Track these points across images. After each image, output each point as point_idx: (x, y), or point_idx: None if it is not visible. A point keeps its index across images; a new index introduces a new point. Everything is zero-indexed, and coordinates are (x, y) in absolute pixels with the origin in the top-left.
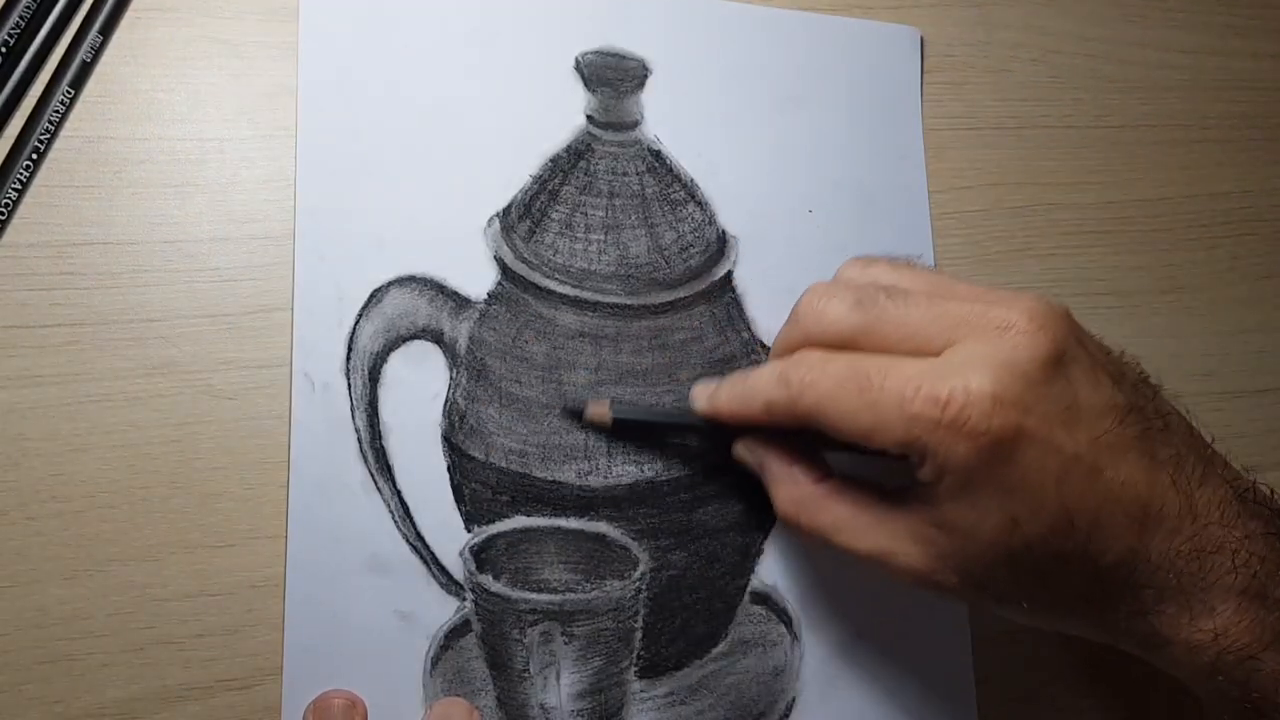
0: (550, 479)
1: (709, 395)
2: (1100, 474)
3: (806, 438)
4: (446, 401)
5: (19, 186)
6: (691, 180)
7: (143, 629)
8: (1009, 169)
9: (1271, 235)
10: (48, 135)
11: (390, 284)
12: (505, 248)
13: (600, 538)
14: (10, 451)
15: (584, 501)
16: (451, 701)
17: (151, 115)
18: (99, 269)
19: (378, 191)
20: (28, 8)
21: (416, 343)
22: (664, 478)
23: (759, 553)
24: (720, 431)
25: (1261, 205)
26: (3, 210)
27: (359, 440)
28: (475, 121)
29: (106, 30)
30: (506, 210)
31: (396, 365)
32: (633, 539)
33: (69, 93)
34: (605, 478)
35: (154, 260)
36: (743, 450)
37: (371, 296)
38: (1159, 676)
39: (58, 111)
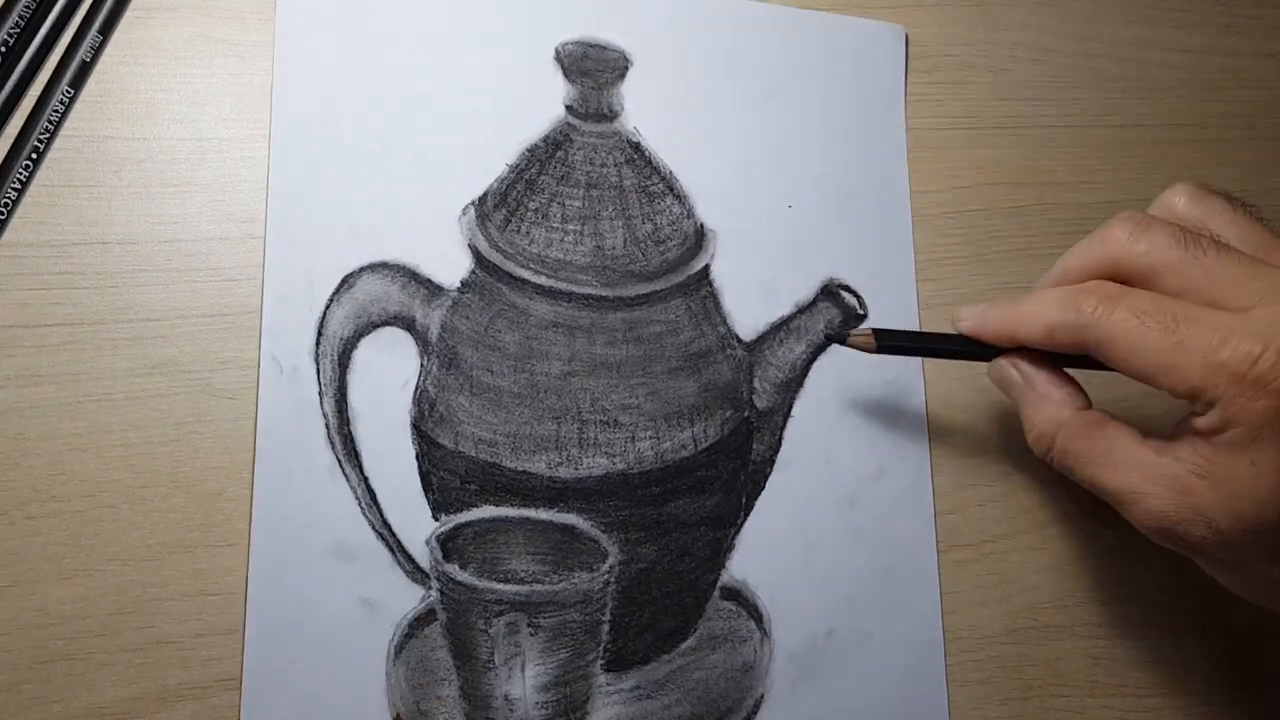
0: (520, 469)
1: (977, 316)
2: None
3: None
4: (417, 389)
5: (18, 186)
6: (670, 173)
7: (142, 628)
8: (1009, 169)
9: None
10: (47, 135)
11: (362, 269)
12: (480, 236)
13: (569, 529)
14: (10, 451)
15: (554, 492)
16: None
17: (151, 115)
18: (98, 268)
19: (352, 177)
20: (27, 7)
21: (388, 329)
22: (635, 470)
23: (730, 548)
24: (979, 348)
25: (1261, 205)
26: (2, 210)
27: (326, 426)
28: (452, 109)
29: (106, 30)
30: (482, 199)
31: (367, 351)
32: (602, 531)
33: (68, 92)
34: (576, 469)
35: (153, 260)
36: (1007, 365)
37: (343, 282)
38: (1160, 676)
39: (57, 111)
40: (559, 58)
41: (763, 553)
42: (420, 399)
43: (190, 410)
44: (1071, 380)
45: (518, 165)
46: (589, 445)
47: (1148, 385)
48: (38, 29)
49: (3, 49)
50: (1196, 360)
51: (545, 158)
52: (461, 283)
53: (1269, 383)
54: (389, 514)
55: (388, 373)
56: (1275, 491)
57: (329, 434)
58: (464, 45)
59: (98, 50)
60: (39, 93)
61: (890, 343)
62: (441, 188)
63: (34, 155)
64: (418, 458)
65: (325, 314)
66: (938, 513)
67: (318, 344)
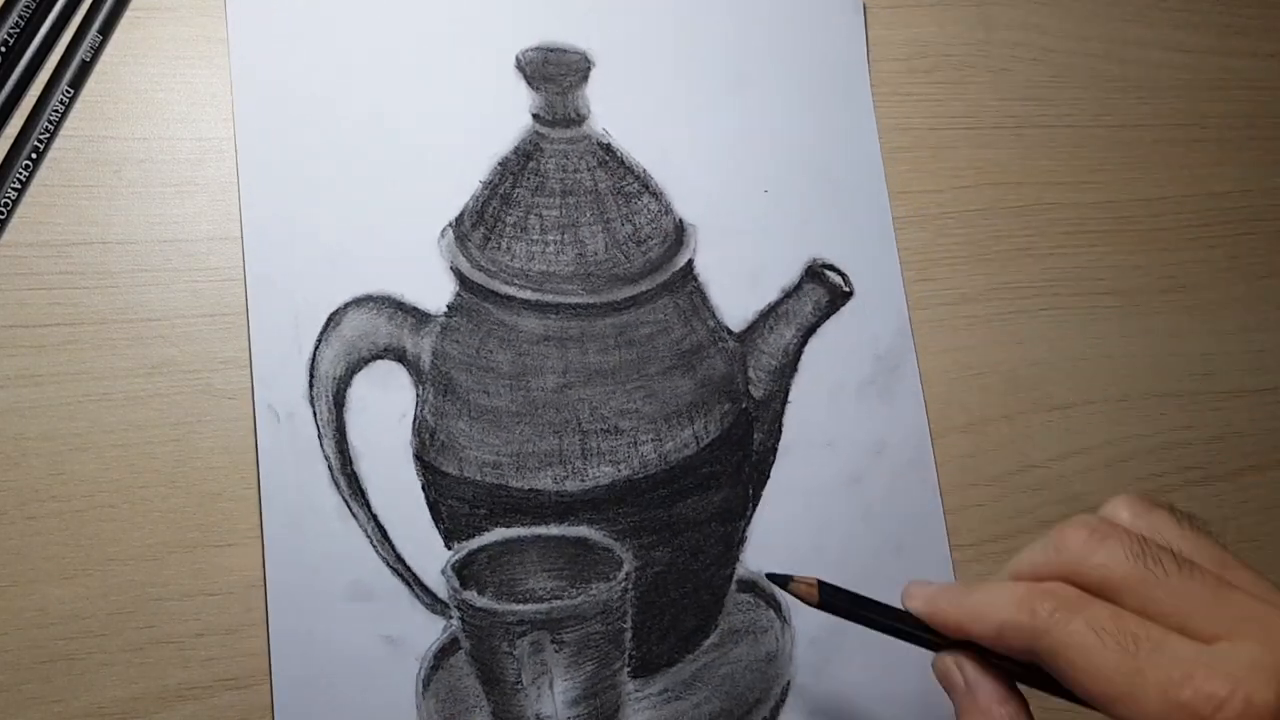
0: (527, 488)
1: (929, 598)
2: None
3: (1009, 666)
4: (415, 420)
5: (19, 186)
6: (644, 171)
7: (142, 628)
8: (1009, 169)
9: (1271, 234)
10: (47, 135)
11: (347, 305)
12: (461, 257)
13: (582, 542)
14: (10, 451)
15: (563, 507)
16: None
17: (151, 115)
18: (98, 268)
19: (325, 210)
20: (27, 7)
21: (379, 363)
22: (641, 474)
23: (742, 540)
24: (924, 633)
25: (1261, 205)
26: (2, 209)
27: (329, 467)
28: (419, 129)
29: (106, 30)
30: (459, 219)
31: (361, 388)
32: (615, 540)
33: (68, 92)
34: (582, 481)
35: (153, 260)
36: (951, 665)
37: (329, 320)
38: None
39: (57, 111)
40: (520, 66)
41: (774, 541)
42: (420, 429)
43: (190, 410)
44: (1017, 696)
45: (490, 180)
46: (592, 455)
47: (1099, 710)
48: (38, 29)
49: (3, 49)
50: (1155, 693)
51: (517, 170)
52: (448, 307)
53: None
54: (401, 548)
55: (385, 407)
56: None
57: (332, 475)
58: (423, 62)
59: (98, 50)
60: (39, 93)
61: (833, 601)
62: (417, 212)
63: (34, 155)
64: (424, 488)
65: (315, 355)
66: (942, 486)
67: (311, 386)
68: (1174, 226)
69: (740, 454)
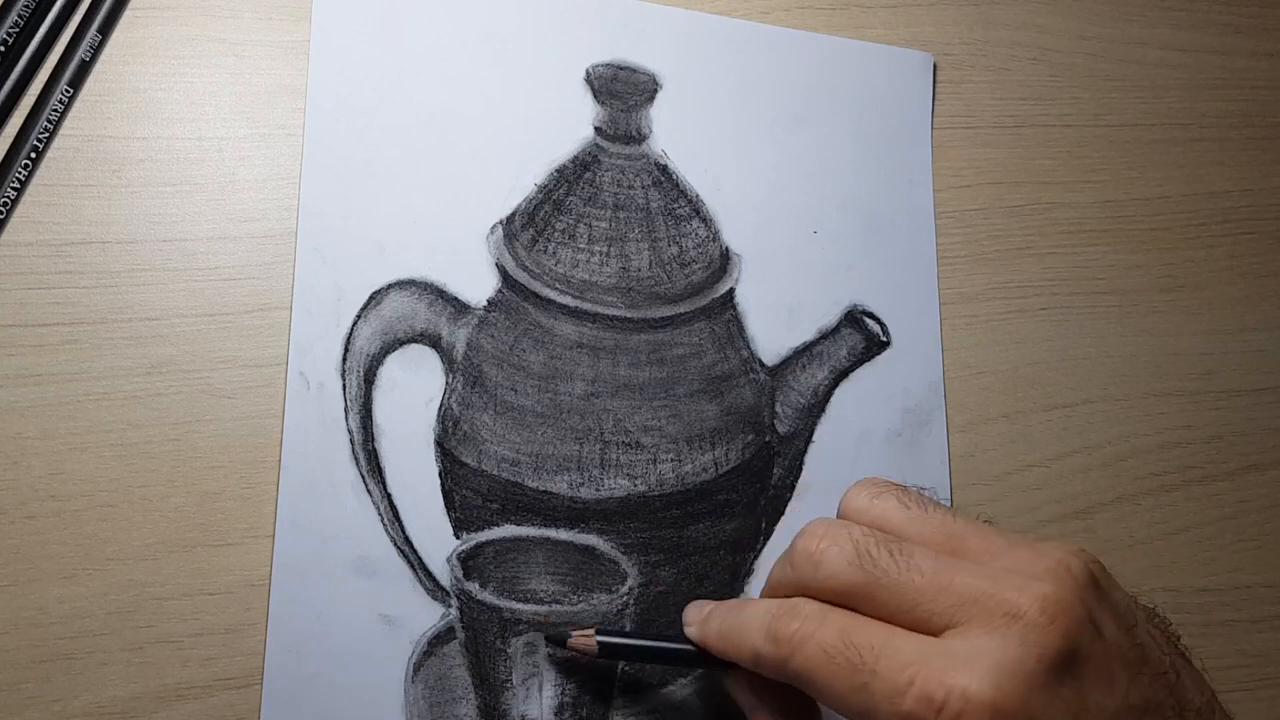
0: (542, 489)
1: (700, 621)
2: None
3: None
4: (441, 406)
5: (18, 185)
6: (697, 196)
7: (142, 628)
8: (1008, 168)
9: (1270, 234)
10: (46, 134)
11: (390, 286)
12: (507, 255)
13: (589, 550)
14: (9, 450)
15: (575, 513)
16: None
17: (150, 114)
18: (98, 268)
19: (382, 194)
20: (26, 6)
21: (414, 346)
22: (656, 492)
23: (749, 572)
24: (714, 658)
25: (1260, 204)
26: (2, 209)
27: (351, 441)
28: (483, 129)
29: (105, 29)
30: (510, 218)
31: (393, 368)
32: (622, 553)
33: (68, 91)
34: (597, 490)
35: (152, 259)
36: (736, 690)
37: (371, 298)
38: None
39: (56, 110)
40: (589, 79)
41: None
42: (444, 416)
43: (189, 410)
44: (803, 710)
45: (546, 185)
46: (610, 466)
47: None
48: (37, 28)
49: (2, 48)
50: (883, 705)
51: (573, 178)
52: (488, 301)
53: None
54: (411, 531)
55: (413, 390)
56: None
57: (353, 450)
58: (495, 66)
59: (97, 49)
60: (38, 92)
61: (614, 650)
62: (470, 206)
63: (33, 155)
64: (440, 475)
65: (352, 330)
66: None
67: (344, 360)
68: (1173, 226)
69: (758, 486)
